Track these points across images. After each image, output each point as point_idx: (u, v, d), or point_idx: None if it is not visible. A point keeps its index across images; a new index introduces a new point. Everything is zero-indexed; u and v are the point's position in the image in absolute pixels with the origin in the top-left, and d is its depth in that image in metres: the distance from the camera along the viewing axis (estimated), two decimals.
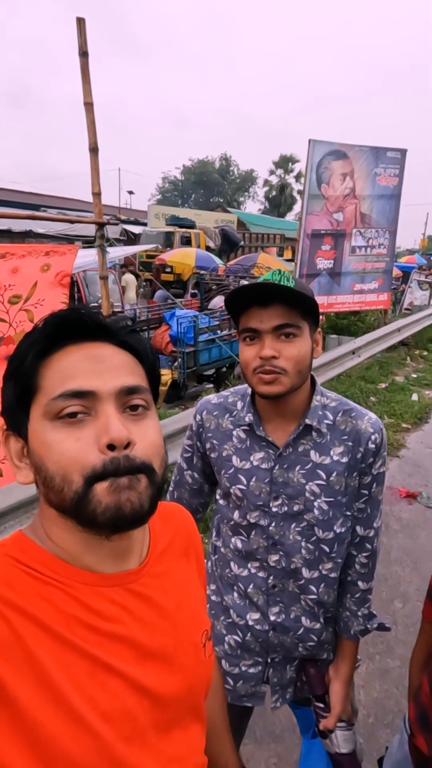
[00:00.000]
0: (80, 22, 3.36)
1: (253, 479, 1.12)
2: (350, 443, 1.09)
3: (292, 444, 1.10)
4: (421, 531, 3.48)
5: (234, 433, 1.14)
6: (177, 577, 0.69)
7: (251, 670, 1.20)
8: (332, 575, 1.14)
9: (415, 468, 4.40)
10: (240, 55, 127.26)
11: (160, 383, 0.67)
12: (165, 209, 25.05)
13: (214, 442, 1.16)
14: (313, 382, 1.13)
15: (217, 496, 1.21)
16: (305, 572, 1.12)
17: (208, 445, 1.17)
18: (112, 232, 13.09)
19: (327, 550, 1.11)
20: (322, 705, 1.20)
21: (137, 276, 12.65)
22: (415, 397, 6.20)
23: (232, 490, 1.14)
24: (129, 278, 12.15)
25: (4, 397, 0.60)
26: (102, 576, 0.59)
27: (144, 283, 16.62)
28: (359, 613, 1.19)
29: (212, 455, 1.17)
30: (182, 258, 13.46)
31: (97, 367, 0.57)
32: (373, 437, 1.09)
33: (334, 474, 1.08)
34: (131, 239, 17.47)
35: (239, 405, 1.16)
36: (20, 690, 0.50)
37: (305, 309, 1.00)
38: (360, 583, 1.18)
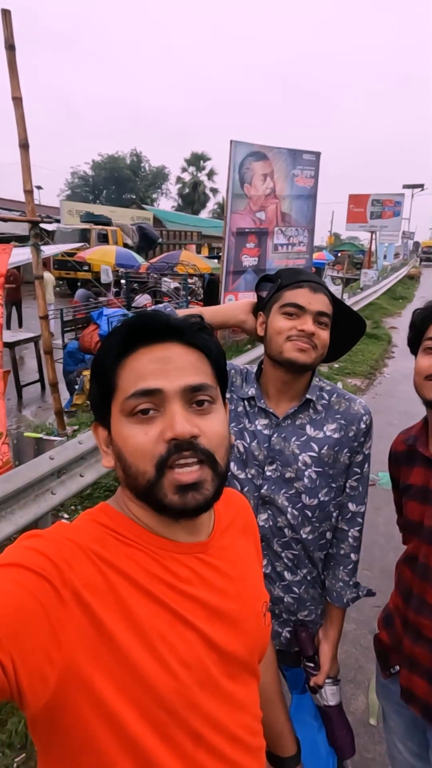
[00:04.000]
0: (5, 14, 3.26)
1: (255, 441, 1.24)
2: (343, 422, 1.23)
3: (291, 416, 1.23)
4: None
5: (243, 401, 1.28)
6: (239, 552, 0.77)
7: None
8: (310, 537, 1.26)
9: None
10: (132, 48, 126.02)
11: (227, 377, 0.74)
12: (78, 205, 24.32)
13: (232, 396, 1.28)
14: (313, 369, 1.28)
15: None
16: (287, 532, 1.25)
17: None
18: (21, 229, 12.47)
19: (309, 515, 1.24)
20: (312, 665, 1.33)
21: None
22: (339, 385, 6.62)
23: (235, 444, 1.26)
24: (47, 277, 11.71)
25: (91, 394, 0.69)
26: (177, 544, 0.67)
27: (60, 282, 16.09)
28: (351, 583, 1.32)
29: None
30: (102, 256, 13.18)
31: (164, 368, 0.64)
32: (364, 418, 1.24)
33: (325, 447, 1.22)
34: (44, 236, 16.79)
35: (249, 378, 1.30)
36: (116, 630, 0.57)
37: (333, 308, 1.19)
38: (352, 555, 1.32)
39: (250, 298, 1.34)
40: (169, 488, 0.61)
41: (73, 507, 3.39)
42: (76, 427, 4.47)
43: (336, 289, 13.04)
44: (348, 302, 10.80)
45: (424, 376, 1.11)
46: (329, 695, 1.32)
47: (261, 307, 1.27)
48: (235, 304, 1.31)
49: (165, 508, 0.62)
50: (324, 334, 1.16)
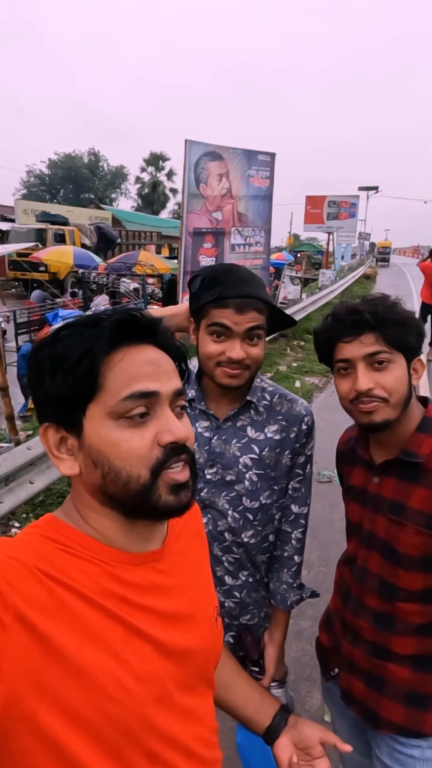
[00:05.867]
0: None
1: (196, 444, 1.20)
2: (284, 423, 1.21)
3: (232, 418, 1.20)
4: (316, 504, 3.80)
5: None
6: (191, 557, 0.76)
7: None
8: (252, 541, 1.24)
9: None
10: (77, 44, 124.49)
11: (185, 380, 0.73)
12: (34, 205, 23.77)
13: None
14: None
15: None
16: (228, 536, 1.23)
17: None
18: None
19: (251, 518, 1.22)
20: (257, 669, 1.31)
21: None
22: (297, 384, 6.70)
23: None
24: None
25: (49, 393, 0.61)
26: (132, 555, 0.65)
27: (16, 284, 15.64)
28: (294, 585, 1.31)
29: None
30: (59, 256, 12.92)
31: (156, 370, 0.62)
32: (306, 419, 1.22)
33: (266, 449, 1.20)
34: None
35: (189, 379, 1.24)
36: (67, 648, 0.54)
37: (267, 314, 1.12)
38: (296, 557, 1.31)
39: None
40: (164, 490, 0.61)
41: (24, 515, 3.28)
42: (29, 432, 4.34)
43: (295, 289, 13.15)
44: (306, 301, 11.00)
45: (348, 400, 1.07)
46: None
47: (192, 310, 1.18)
48: (177, 310, 1.25)
49: (157, 509, 0.61)
50: (255, 351, 1.11)
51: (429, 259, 8.70)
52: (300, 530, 1.29)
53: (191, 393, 1.22)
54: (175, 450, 0.61)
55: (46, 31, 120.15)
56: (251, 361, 1.11)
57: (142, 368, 0.61)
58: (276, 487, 1.23)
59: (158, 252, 20.51)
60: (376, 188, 33.94)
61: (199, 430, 1.22)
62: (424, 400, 1.14)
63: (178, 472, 0.62)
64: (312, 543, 3.35)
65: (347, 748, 0.84)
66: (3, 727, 0.50)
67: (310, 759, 0.85)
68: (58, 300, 9.68)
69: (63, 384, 0.60)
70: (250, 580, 1.29)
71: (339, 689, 1.24)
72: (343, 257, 21.90)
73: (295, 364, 7.82)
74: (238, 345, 1.08)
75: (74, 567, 0.60)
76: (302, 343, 9.29)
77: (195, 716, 0.68)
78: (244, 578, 1.28)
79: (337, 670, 1.25)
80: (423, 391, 6.35)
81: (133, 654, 0.60)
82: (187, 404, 0.67)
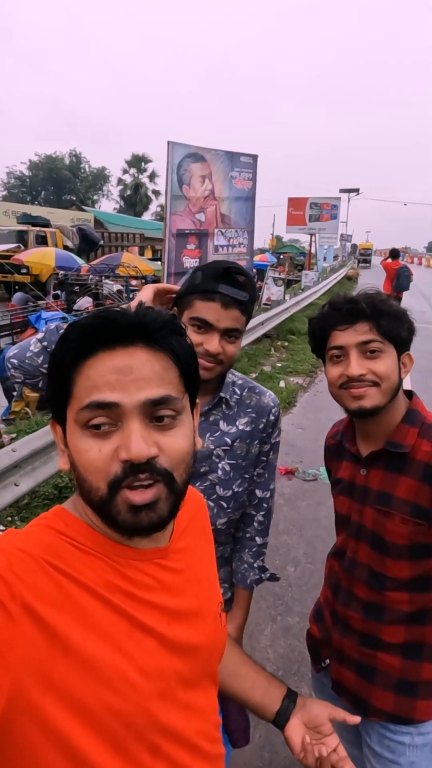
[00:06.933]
0: None
1: None
2: (254, 415, 1.27)
3: (205, 414, 1.24)
4: (301, 502, 3.85)
5: None
6: (197, 553, 0.76)
7: None
8: (223, 528, 1.29)
9: (290, 447, 4.82)
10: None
11: (197, 382, 0.68)
12: (15, 206, 23.55)
13: None
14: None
15: None
16: None
17: None
18: None
19: (224, 506, 1.26)
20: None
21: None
22: (282, 384, 6.74)
23: None
24: None
25: (47, 391, 0.64)
26: (137, 551, 0.65)
27: None
28: (255, 565, 1.36)
29: None
30: (41, 258, 12.80)
31: (123, 379, 0.58)
32: (273, 410, 1.29)
33: (238, 440, 1.25)
34: None
35: None
36: (73, 640, 0.55)
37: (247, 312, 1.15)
38: (257, 538, 1.36)
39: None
40: (122, 506, 0.58)
41: (9, 518, 3.24)
42: (14, 435, 4.28)
43: (279, 290, 13.21)
44: (290, 302, 11.07)
45: (338, 385, 1.10)
46: None
47: (177, 297, 1.20)
48: (140, 295, 1.23)
49: (117, 525, 0.59)
50: (231, 348, 1.15)
51: (389, 259, 10.42)
52: (262, 513, 1.35)
53: None
54: (134, 469, 0.57)
55: (24, 32, 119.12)
56: (225, 357, 1.15)
57: (105, 376, 0.58)
58: (246, 476, 1.28)
59: (141, 254, 20.46)
60: (357, 190, 34.31)
61: None
62: (409, 394, 1.17)
63: (137, 493, 0.57)
64: (298, 540, 3.40)
65: (356, 719, 0.85)
66: (8, 717, 0.50)
67: (320, 737, 0.85)
68: (40, 302, 9.59)
69: (49, 386, 0.63)
70: (218, 556, 1.32)
71: (330, 680, 1.26)
72: (325, 258, 22.05)
73: (279, 364, 7.87)
74: (217, 339, 1.12)
75: (80, 561, 0.60)
76: (286, 344, 9.35)
77: (198, 711, 0.68)
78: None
79: (327, 661, 1.27)
80: (406, 385, 6.44)
81: (137, 648, 0.60)
82: (175, 413, 0.61)
